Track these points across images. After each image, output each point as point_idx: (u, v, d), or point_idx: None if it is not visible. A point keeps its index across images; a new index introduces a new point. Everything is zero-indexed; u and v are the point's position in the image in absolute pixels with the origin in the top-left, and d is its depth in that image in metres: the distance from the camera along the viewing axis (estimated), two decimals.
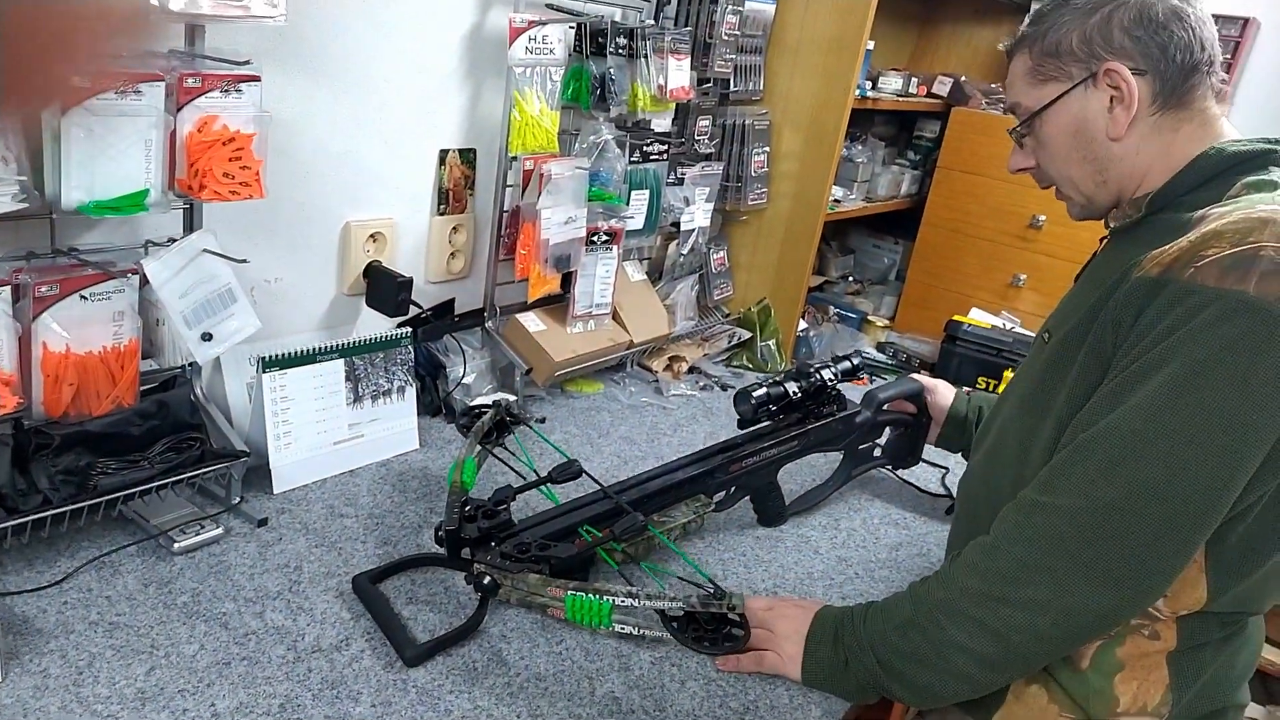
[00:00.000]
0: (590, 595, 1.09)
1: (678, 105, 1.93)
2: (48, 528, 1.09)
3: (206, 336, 1.19)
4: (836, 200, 2.36)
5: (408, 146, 1.56)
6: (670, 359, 2.04)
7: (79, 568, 1.13)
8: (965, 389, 1.58)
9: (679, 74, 1.75)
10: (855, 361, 1.50)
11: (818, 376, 1.44)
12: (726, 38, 1.89)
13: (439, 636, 1.10)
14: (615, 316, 1.87)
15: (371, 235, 1.55)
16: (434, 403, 1.67)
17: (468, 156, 1.67)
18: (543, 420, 1.72)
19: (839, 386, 1.49)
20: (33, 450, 1.08)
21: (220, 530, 1.22)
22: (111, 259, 1.12)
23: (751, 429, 1.44)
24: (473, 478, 1.28)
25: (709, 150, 2.02)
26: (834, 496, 1.58)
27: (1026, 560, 0.98)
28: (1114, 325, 0.99)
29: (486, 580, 1.12)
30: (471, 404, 1.65)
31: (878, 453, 1.60)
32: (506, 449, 1.43)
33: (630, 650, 1.13)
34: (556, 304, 1.79)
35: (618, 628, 1.11)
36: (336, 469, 1.43)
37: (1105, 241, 1.17)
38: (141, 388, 1.19)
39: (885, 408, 1.54)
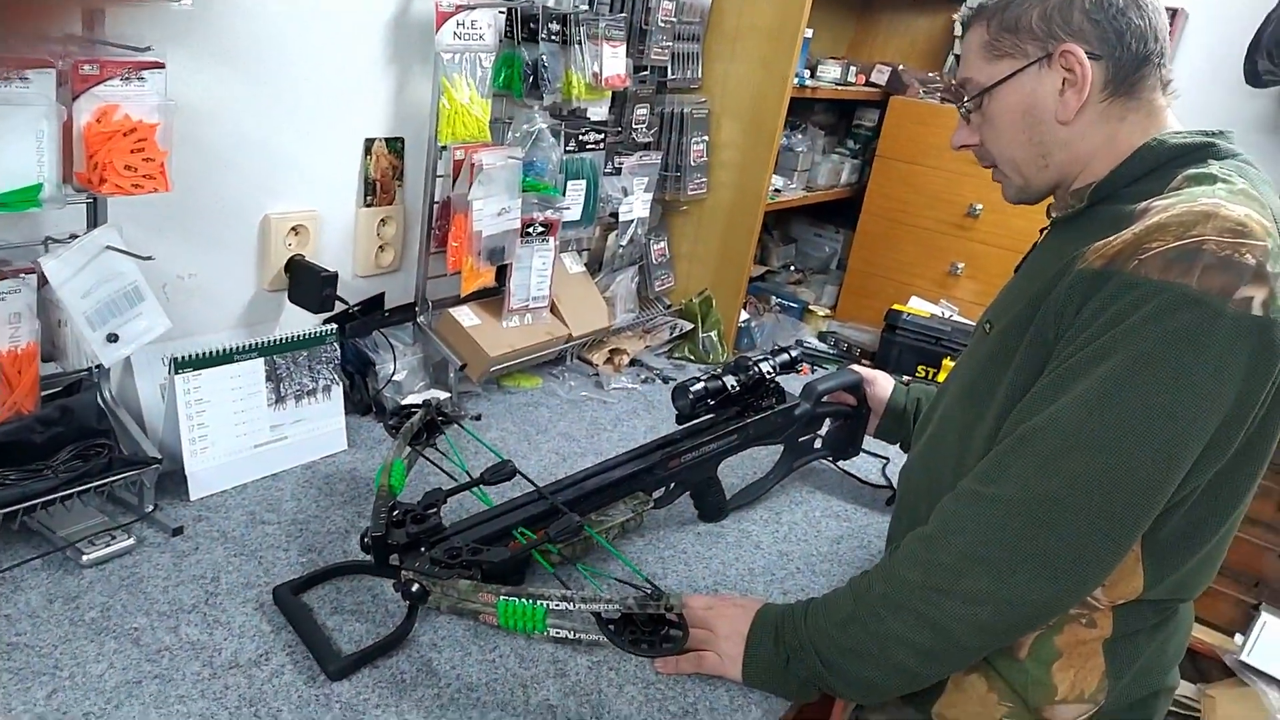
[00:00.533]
0: (523, 600, 1.05)
1: (614, 93, 1.89)
2: None
3: (112, 337, 1.13)
4: (777, 190, 2.34)
5: (330, 135, 1.50)
6: (611, 352, 2.01)
7: None
8: (905, 378, 1.58)
9: (614, 61, 1.71)
10: (794, 354, 1.48)
11: (756, 370, 1.42)
12: (663, 24, 1.86)
13: (364, 648, 1.05)
14: (553, 309, 1.83)
15: (293, 228, 1.48)
16: (364, 401, 1.61)
17: (395, 146, 1.61)
18: (478, 418, 1.68)
19: (779, 379, 1.47)
20: None
21: (132, 541, 1.16)
22: (6, 257, 1.05)
23: (690, 424, 1.41)
24: (401, 481, 1.23)
25: (647, 140, 1.99)
26: (775, 490, 1.56)
27: (966, 551, 0.97)
28: (1056, 316, 0.98)
29: (415, 588, 1.07)
30: (403, 402, 1.60)
31: (818, 445, 1.59)
32: (438, 449, 1.38)
33: (567, 655, 1.10)
34: (492, 297, 1.74)
35: (553, 632, 1.07)
36: (258, 473, 1.37)
37: (1046, 232, 1.16)
38: (44, 393, 1.13)
39: (824, 400, 1.52)
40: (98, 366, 1.20)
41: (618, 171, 1.87)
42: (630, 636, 1.07)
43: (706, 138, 2.08)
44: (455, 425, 1.40)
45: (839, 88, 2.36)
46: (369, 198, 1.60)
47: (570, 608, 1.05)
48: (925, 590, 0.98)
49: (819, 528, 1.50)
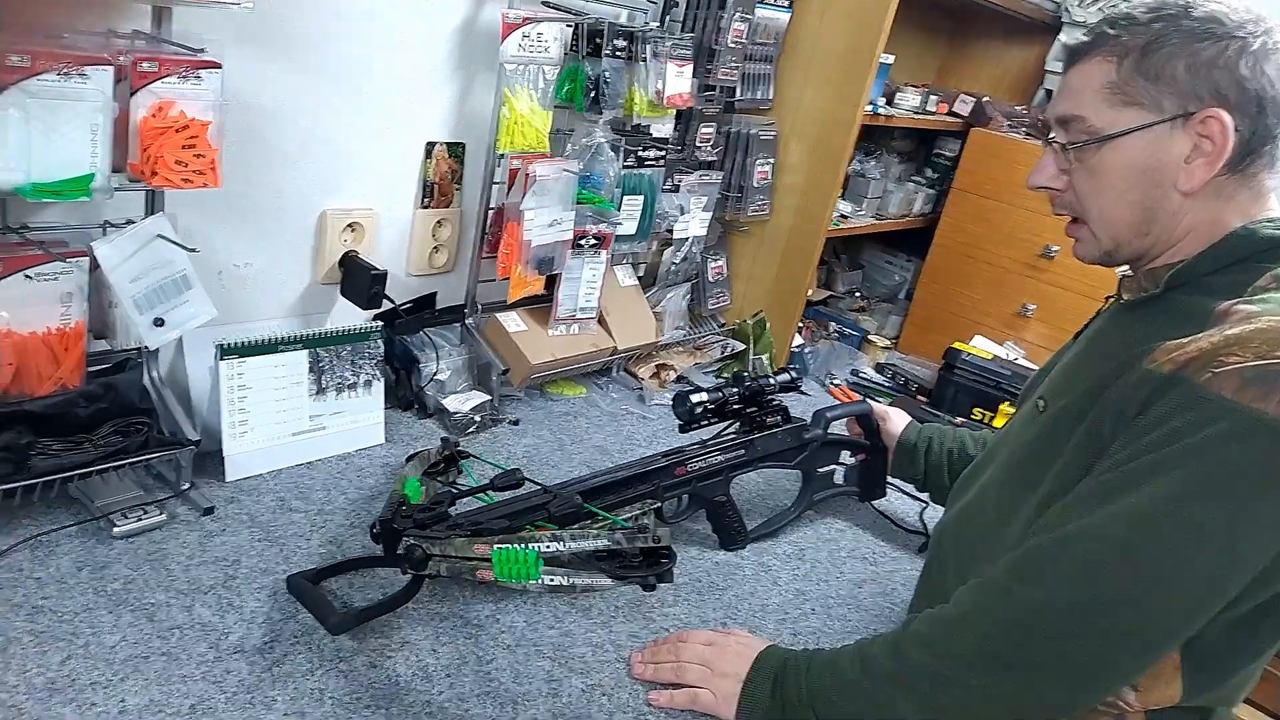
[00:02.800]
0: (516, 546, 1.06)
1: (679, 111, 1.89)
2: None
3: (159, 322, 1.18)
4: (843, 216, 2.31)
5: (392, 137, 1.54)
6: (658, 367, 2.01)
7: (14, 546, 1.12)
8: (958, 419, 1.54)
9: (679, 80, 1.71)
10: (793, 374, 1.48)
11: (755, 384, 1.43)
12: (733, 45, 1.85)
13: (366, 606, 1.09)
14: (601, 321, 1.84)
15: (349, 225, 1.52)
16: (407, 397, 1.65)
17: (456, 151, 1.64)
18: (515, 422, 1.70)
19: (781, 400, 1.48)
20: None
21: (163, 517, 1.21)
22: (64, 239, 1.11)
23: (705, 439, 1.42)
24: (416, 495, 1.26)
25: (710, 158, 1.98)
26: (803, 525, 1.55)
27: (984, 648, 0.93)
28: (1115, 415, 0.93)
29: (416, 552, 1.09)
30: (445, 402, 1.63)
31: (840, 478, 1.57)
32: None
33: (562, 676, 1.11)
34: (541, 305, 1.76)
35: (546, 579, 1.07)
36: (294, 460, 1.41)
37: (1112, 306, 1.10)
38: (91, 370, 1.18)
39: (831, 427, 1.51)
40: (145, 348, 1.25)
41: (676, 189, 1.87)
42: (620, 566, 1.07)
43: (772, 160, 2.06)
44: (471, 458, 1.44)
45: (917, 116, 2.32)
46: (426, 199, 1.63)
47: (561, 548, 1.06)
48: (934, 677, 0.95)
49: (842, 569, 1.47)
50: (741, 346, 2.16)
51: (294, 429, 1.41)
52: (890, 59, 2.24)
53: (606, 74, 1.62)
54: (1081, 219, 1.04)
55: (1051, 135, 1.03)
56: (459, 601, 1.19)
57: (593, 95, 1.63)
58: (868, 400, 1.60)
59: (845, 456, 1.58)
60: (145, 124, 1.04)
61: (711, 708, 1.09)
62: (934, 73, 2.88)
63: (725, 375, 2.13)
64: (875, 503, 1.65)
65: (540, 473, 1.54)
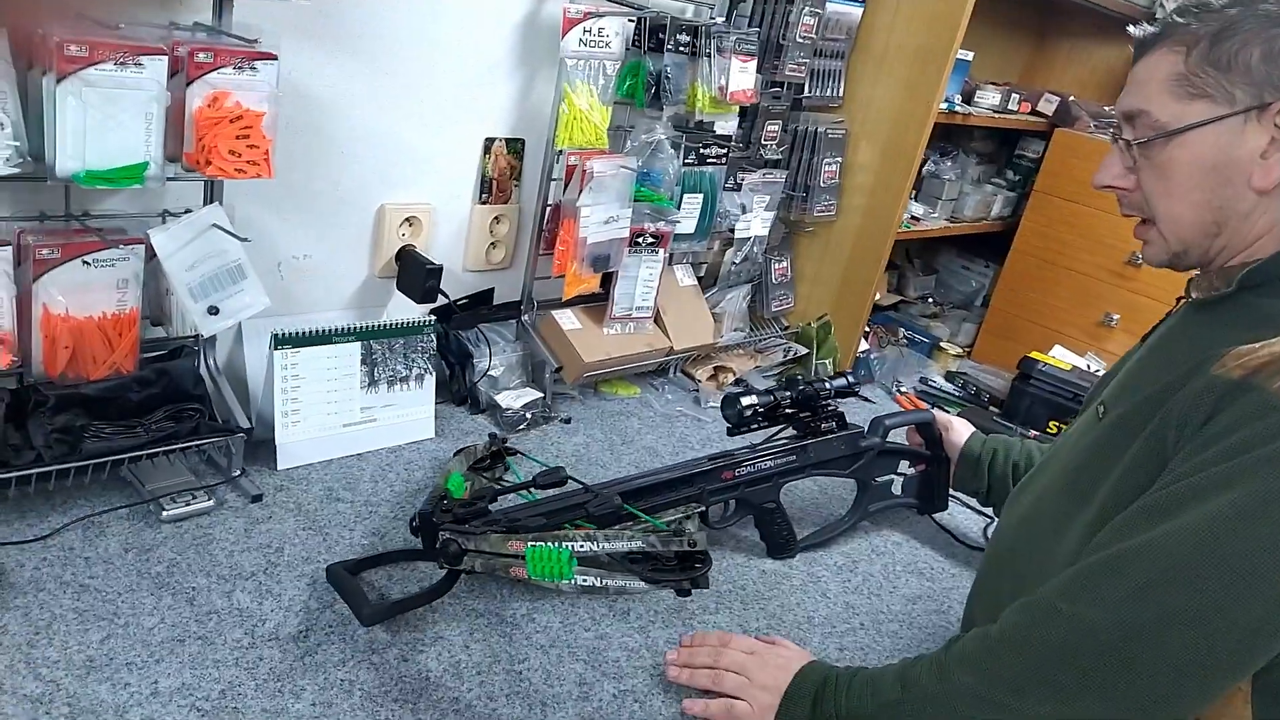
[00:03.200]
0: (550, 544, 1.04)
1: (744, 108, 1.85)
2: (33, 484, 1.11)
3: (213, 310, 1.19)
4: (915, 218, 2.24)
5: (451, 133, 1.54)
6: (716, 369, 1.97)
7: (67, 525, 1.15)
8: (1033, 432, 1.47)
9: (743, 76, 1.67)
10: (850, 379, 1.42)
11: (809, 388, 1.38)
12: (801, 40, 1.80)
13: (400, 599, 1.09)
14: (657, 320, 1.81)
15: (407, 219, 1.53)
16: (460, 392, 1.65)
17: (515, 147, 1.63)
18: (567, 421, 1.68)
19: (837, 405, 1.43)
20: (31, 408, 1.11)
21: (211, 502, 1.23)
22: (123, 227, 1.13)
23: (756, 443, 1.39)
24: (459, 490, 1.25)
25: (775, 157, 1.94)
26: (857, 536, 1.49)
27: (1033, 669, 0.88)
28: (1179, 423, 0.87)
29: (452, 547, 1.08)
30: (498, 398, 1.63)
31: (898, 489, 1.51)
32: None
33: (595, 679, 1.08)
34: (597, 303, 1.74)
35: (579, 579, 1.05)
36: (344, 451, 1.42)
37: (1181, 307, 1.04)
38: (146, 355, 1.21)
39: (890, 435, 1.46)
40: (200, 336, 1.27)
41: (738, 187, 1.83)
42: (654, 570, 1.05)
43: (840, 159, 2.00)
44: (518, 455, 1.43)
45: (997, 115, 2.23)
46: (484, 195, 1.63)
47: (594, 548, 1.05)
48: (980, 700, 0.90)
49: (896, 583, 1.41)
50: (804, 351, 2.11)
51: (345, 420, 1.42)
52: (969, 56, 2.16)
53: (668, 69, 1.59)
54: (1149, 219, 0.98)
55: (1117, 132, 0.98)
56: (495, 599, 1.18)
57: (653, 91, 1.61)
58: (930, 409, 1.54)
59: (905, 466, 1.52)
60: (200, 114, 1.06)
61: (748, 718, 1.05)
62: (1018, 71, 2.77)
63: (785, 379, 2.09)
64: (936, 516, 1.59)
65: (588, 472, 1.53)
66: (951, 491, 1.54)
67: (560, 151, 1.59)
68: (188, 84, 1.04)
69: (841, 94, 2.00)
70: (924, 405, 2.10)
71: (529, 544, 1.05)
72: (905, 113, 1.93)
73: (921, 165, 2.35)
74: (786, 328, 2.18)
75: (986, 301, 2.64)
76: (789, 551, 1.41)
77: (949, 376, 2.31)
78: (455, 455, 1.37)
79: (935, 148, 2.37)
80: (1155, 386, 0.92)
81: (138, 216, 1.17)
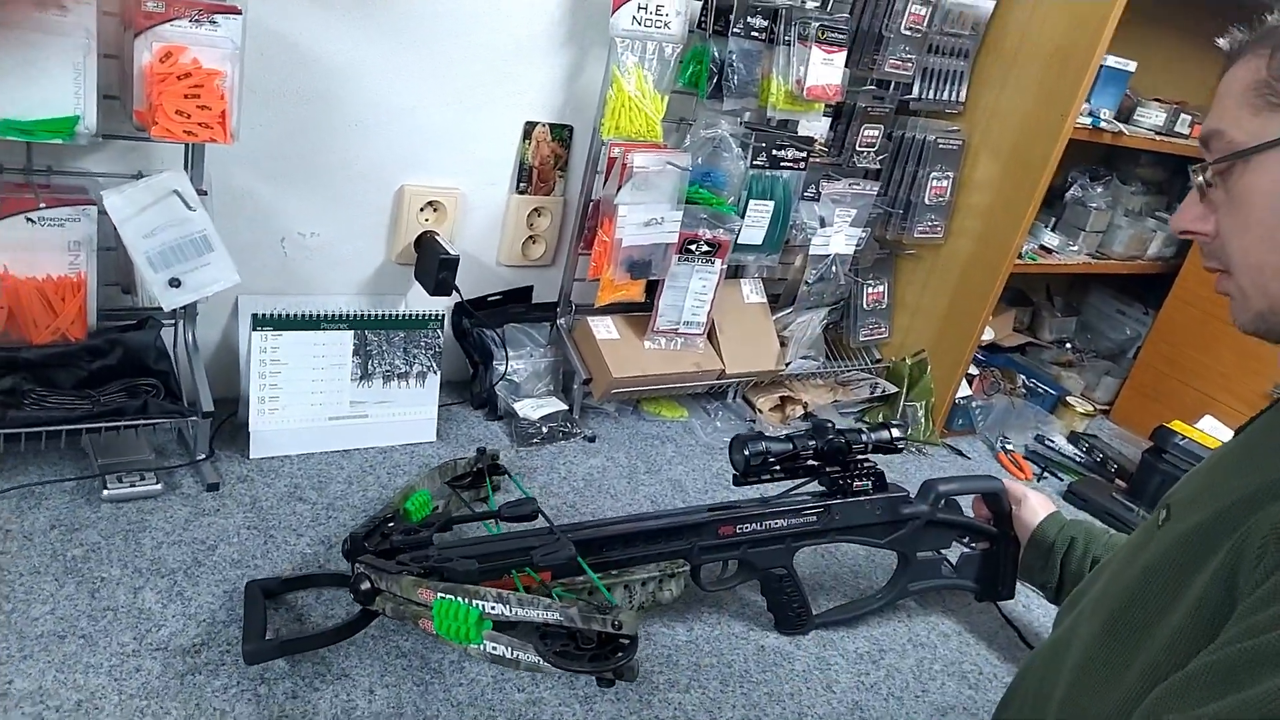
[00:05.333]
0: (459, 600, 0.89)
1: (839, 108, 1.63)
2: None
3: (174, 282, 1.11)
4: (1045, 248, 1.93)
5: (484, 113, 1.41)
6: (782, 399, 1.76)
7: (2, 491, 1.09)
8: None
9: (826, 69, 1.46)
10: (895, 432, 1.18)
11: (839, 439, 1.14)
12: (909, 32, 1.56)
13: (290, 638, 0.97)
14: (711, 338, 1.62)
15: (430, 203, 1.41)
16: (481, 395, 1.52)
17: (561, 134, 1.48)
18: (592, 439, 1.52)
19: (873, 459, 1.19)
20: None
21: (159, 486, 1.15)
22: (84, 186, 1.07)
23: (769, 496, 1.18)
24: (421, 511, 1.12)
25: (872, 166, 1.70)
26: (896, 619, 1.26)
27: None
28: (1259, 554, 0.64)
29: (364, 585, 0.95)
30: (517, 406, 1.49)
31: (948, 569, 1.26)
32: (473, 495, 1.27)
33: None
34: (643, 313, 1.57)
35: (489, 647, 0.88)
36: (328, 446, 1.32)
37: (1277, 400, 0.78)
38: (116, 324, 1.14)
39: (944, 504, 1.22)
40: (179, 310, 1.19)
41: (816, 197, 1.61)
42: (572, 653, 0.87)
43: (952, 174, 1.74)
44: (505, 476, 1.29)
45: (1160, 138, 1.88)
46: (523, 184, 1.49)
47: (506, 611, 0.87)
48: None
49: (928, 685, 1.17)
50: (894, 390, 1.86)
51: (331, 413, 1.31)
52: (1130, 66, 1.84)
53: (733, 57, 1.40)
54: (1228, 270, 0.73)
55: (1198, 166, 0.75)
56: (425, 640, 1.03)
57: (716, 81, 1.42)
58: (993, 476, 1.28)
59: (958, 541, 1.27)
60: (150, 69, 0.97)
61: None
62: (1198, 88, 2.37)
63: (866, 420, 1.84)
64: (1001, 605, 1.32)
65: (594, 503, 1.36)
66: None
67: (605, 142, 1.42)
68: (135, 35, 0.95)
69: (963, 98, 1.74)
70: (1029, 468, 1.81)
71: (437, 595, 0.90)
72: (1035, 123, 1.65)
73: (1065, 190, 2.04)
74: (878, 361, 1.93)
75: (1139, 354, 2.27)
76: (800, 627, 1.19)
77: (1072, 438, 1.98)
78: (431, 470, 1.24)
79: (1084, 170, 2.04)
80: (1233, 498, 0.68)
81: (112, 176, 1.10)
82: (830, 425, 1.17)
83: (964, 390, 1.88)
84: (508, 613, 0.87)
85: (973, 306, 1.78)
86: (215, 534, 1.12)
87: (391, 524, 1.07)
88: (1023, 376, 2.08)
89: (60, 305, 1.05)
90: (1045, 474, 1.82)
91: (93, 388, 1.12)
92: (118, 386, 1.13)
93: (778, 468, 1.14)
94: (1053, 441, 1.94)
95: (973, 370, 1.98)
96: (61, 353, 1.08)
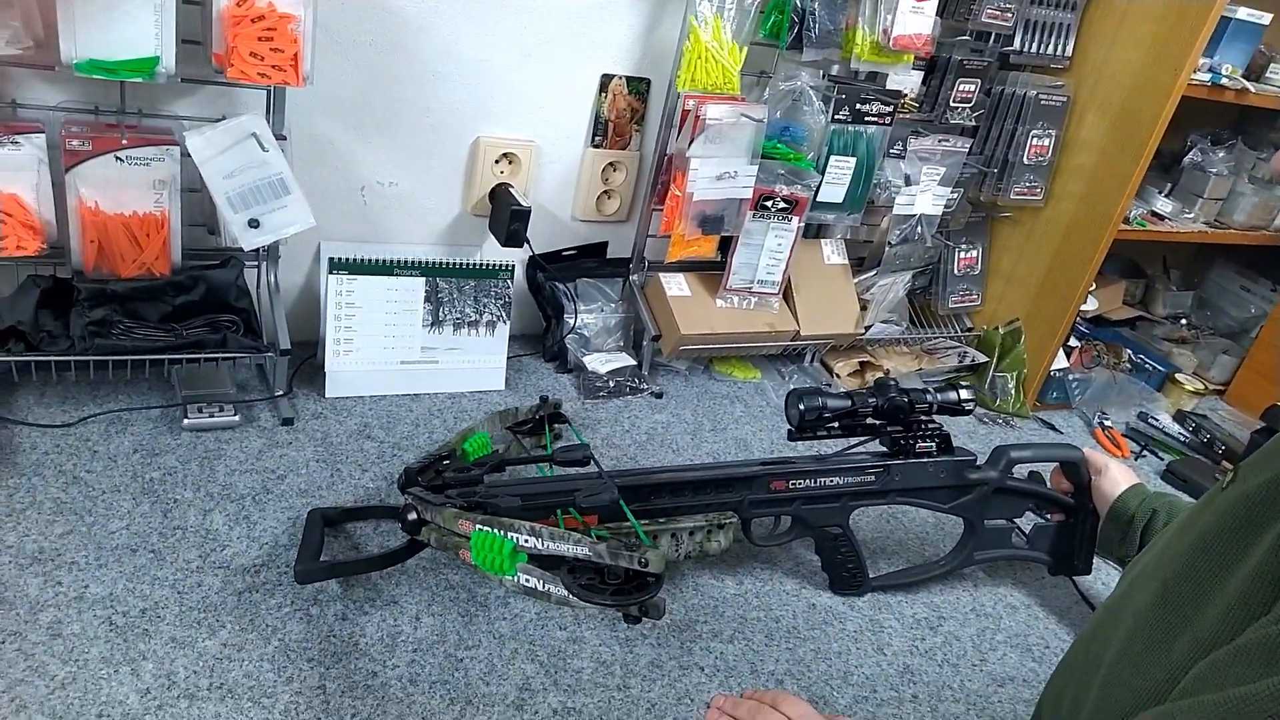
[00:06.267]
0: (495, 531, 0.90)
1: (933, 62, 1.56)
2: (68, 371, 1.14)
3: (253, 223, 1.16)
4: (1156, 214, 1.81)
5: (560, 65, 1.41)
6: (862, 364, 1.71)
7: (92, 415, 1.17)
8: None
9: (915, 18, 1.40)
10: (964, 393, 1.12)
11: (899, 396, 1.10)
12: None
13: (340, 561, 1.02)
14: (787, 298, 1.59)
15: (505, 155, 1.43)
16: (553, 347, 1.54)
17: (638, 87, 1.47)
18: (659, 395, 1.52)
19: (938, 421, 1.15)
20: (74, 300, 1.13)
21: (237, 418, 1.21)
22: (170, 128, 1.12)
23: (825, 454, 1.15)
24: (479, 451, 1.14)
25: (967, 123, 1.62)
26: (960, 587, 1.22)
27: None
28: None
29: (411, 515, 0.97)
30: (586, 360, 1.50)
31: (1019, 539, 1.20)
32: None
33: (540, 688, 0.93)
34: (717, 271, 1.55)
35: (521, 578, 0.90)
36: (399, 389, 1.36)
37: None
38: (200, 263, 1.20)
39: (1015, 470, 1.18)
40: (260, 249, 1.25)
41: (902, 155, 1.55)
42: (598, 587, 0.88)
43: (1055, 132, 1.65)
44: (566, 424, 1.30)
45: None
46: (598, 138, 1.49)
47: (538, 545, 0.89)
48: None
49: (987, 655, 1.12)
50: (983, 359, 1.78)
51: (403, 357, 1.35)
52: (1264, 19, 1.69)
53: (815, 5, 1.36)
54: None
55: None
56: (475, 575, 1.06)
57: (797, 31, 1.38)
58: (1074, 445, 1.21)
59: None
60: (227, 12, 1.01)
61: None
62: None
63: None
64: (1077, 580, 1.26)
65: (656, 455, 1.36)
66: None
67: (681, 95, 1.41)
68: None
69: (1069, 52, 1.64)
70: (1126, 446, 1.71)
71: (476, 527, 0.92)
72: (1147, 80, 1.54)
73: (1185, 154, 1.91)
74: (970, 329, 1.85)
75: (1261, 333, 2.11)
76: (855, 588, 1.16)
77: (1179, 417, 1.86)
78: (492, 414, 1.26)
79: (1206, 133, 1.90)
80: None
81: (198, 120, 1.15)
82: (894, 383, 1.13)
83: (1061, 362, 1.79)
84: (540, 546, 0.88)
85: (1073, 274, 1.68)
86: (285, 465, 1.17)
87: (447, 462, 1.10)
88: (1129, 351, 1.96)
89: (145, 241, 1.11)
90: (1144, 452, 1.71)
91: (177, 322, 1.18)
92: (200, 321, 1.19)
93: (835, 425, 1.11)
94: (1157, 420, 1.82)
95: (1073, 343, 1.88)
96: (147, 287, 1.14)
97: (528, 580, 0.89)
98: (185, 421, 1.18)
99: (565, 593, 0.87)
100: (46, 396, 1.19)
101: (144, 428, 1.18)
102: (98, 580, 0.94)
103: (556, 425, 1.30)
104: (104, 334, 1.13)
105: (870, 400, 1.12)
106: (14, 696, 0.80)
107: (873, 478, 1.13)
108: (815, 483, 1.11)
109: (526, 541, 0.89)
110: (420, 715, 0.87)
